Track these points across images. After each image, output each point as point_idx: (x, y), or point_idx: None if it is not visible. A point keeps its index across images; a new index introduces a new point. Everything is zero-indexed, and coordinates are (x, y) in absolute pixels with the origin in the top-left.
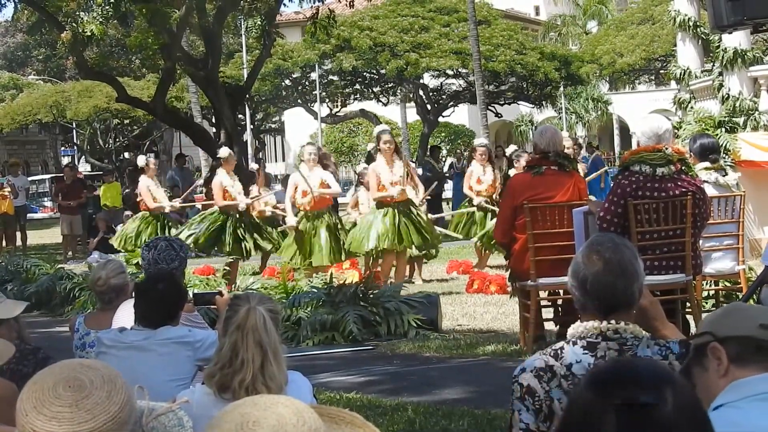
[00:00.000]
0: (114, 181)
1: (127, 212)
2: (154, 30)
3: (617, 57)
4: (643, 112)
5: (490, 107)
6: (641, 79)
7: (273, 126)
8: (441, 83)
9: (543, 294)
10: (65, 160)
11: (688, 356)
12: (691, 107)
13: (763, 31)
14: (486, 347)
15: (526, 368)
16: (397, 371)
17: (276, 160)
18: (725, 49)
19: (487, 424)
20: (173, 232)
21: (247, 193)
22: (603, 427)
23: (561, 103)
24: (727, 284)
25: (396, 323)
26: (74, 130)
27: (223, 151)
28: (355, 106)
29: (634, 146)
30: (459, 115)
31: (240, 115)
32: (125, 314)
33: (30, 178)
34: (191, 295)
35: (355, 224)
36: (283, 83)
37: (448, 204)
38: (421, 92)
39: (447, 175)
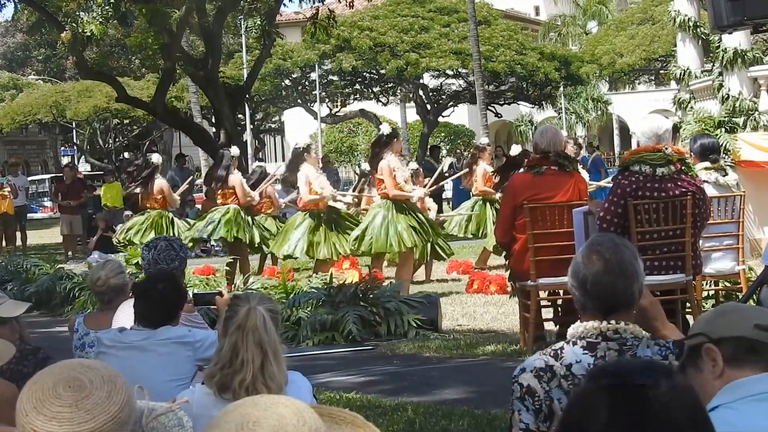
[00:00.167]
0: (114, 181)
1: (127, 212)
2: (154, 30)
3: (617, 57)
4: (642, 113)
5: (489, 107)
6: (641, 80)
7: (273, 126)
8: (441, 83)
9: (543, 294)
10: (65, 160)
11: (682, 357)
12: (691, 107)
13: (763, 31)
14: (486, 347)
15: (526, 368)
16: (397, 371)
17: (276, 160)
18: (725, 49)
19: (487, 425)
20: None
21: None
22: (597, 409)
23: (561, 103)
24: (727, 284)
25: (396, 323)
26: (74, 130)
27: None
28: (354, 106)
29: (634, 146)
30: (459, 115)
31: (240, 115)
32: (125, 314)
33: (30, 178)
34: (191, 296)
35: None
36: (282, 83)
37: (448, 204)
38: (420, 92)
39: (447, 174)
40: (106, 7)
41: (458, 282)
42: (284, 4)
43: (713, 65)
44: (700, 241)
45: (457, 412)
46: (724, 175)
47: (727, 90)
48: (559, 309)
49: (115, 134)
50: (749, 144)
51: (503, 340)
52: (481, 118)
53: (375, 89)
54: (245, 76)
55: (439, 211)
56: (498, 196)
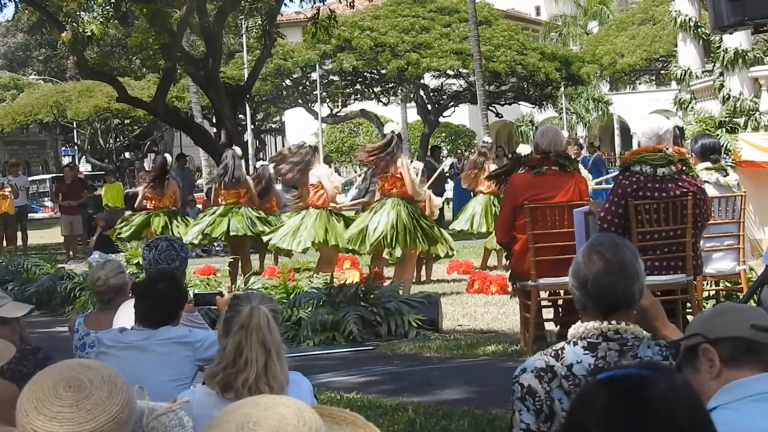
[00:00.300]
0: (115, 181)
1: (128, 212)
2: (154, 30)
3: (618, 57)
4: (643, 113)
5: (490, 107)
6: (642, 80)
7: (273, 126)
8: (441, 83)
9: (543, 294)
10: (66, 160)
11: (678, 357)
12: (692, 107)
13: (764, 31)
14: (486, 347)
15: (527, 368)
16: (398, 371)
17: None
18: (726, 49)
19: (487, 425)
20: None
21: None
22: (597, 409)
23: (562, 104)
24: (728, 284)
25: (396, 323)
26: (75, 130)
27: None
28: (355, 106)
29: (634, 146)
30: (459, 115)
31: (240, 115)
32: (126, 314)
33: (30, 178)
34: (192, 296)
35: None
36: (283, 83)
37: (448, 204)
38: (421, 92)
39: (447, 175)
40: (107, 7)
41: (459, 282)
42: (285, 4)
43: (714, 65)
44: (701, 242)
45: (458, 412)
46: (724, 176)
47: (727, 90)
48: (560, 309)
49: (115, 134)
50: (750, 144)
51: (504, 341)
52: (482, 118)
53: (376, 89)
54: (246, 76)
55: (440, 211)
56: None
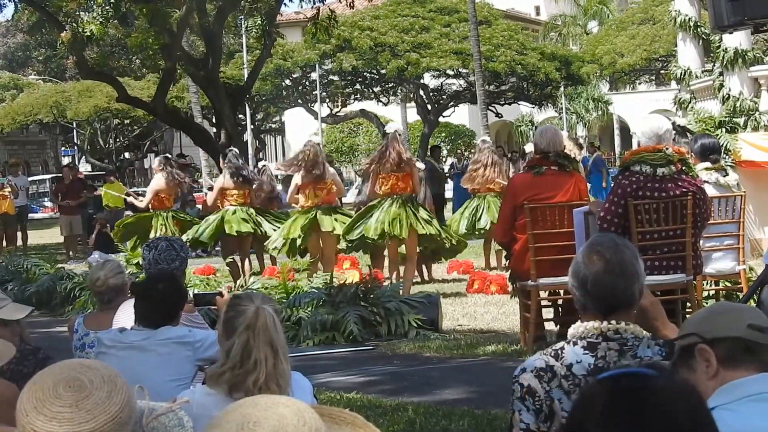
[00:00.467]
0: (115, 181)
1: (128, 212)
2: (154, 30)
3: (618, 57)
4: (643, 113)
5: (490, 107)
6: (642, 79)
7: (273, 126)
8: (441, 83)
9: (543, 294)
10: (66, 160)
11: (673, 357)
12: (692, 107)
13: (764, 31)
14: (486, 347)
15: (527, 368)
16: (398, 371)
17: (276, 160)
18: (726, 49)
19: (487, 425)
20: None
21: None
22: (597, 409)
23: (561, 103)
24: (728, 284)
25: (396, 323)
26: (74, 130)
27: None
28: (355, 106)
29: (634, 146)
30: (459, 115)
31: (240, 115)
32: (126, 314)
33: (30, 179)
34: (192, 296)
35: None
36: (283, 83)
37: (445, 204)
38: (421, 92)
39: (447, 175)
40: (107, 7)
41: (459, 282)
42: (285, 4)
43: (714, 65)
44: (701, 241)
45: (458, 412)
46: (724, 175)
47: (727, 90)
48: (560, 309)
49: (115, 134)
50: (750, 144)
51: (504, 340)
52: (481, 118)
53: (375, 89)
54: (246, 76)
55: (441, 211)
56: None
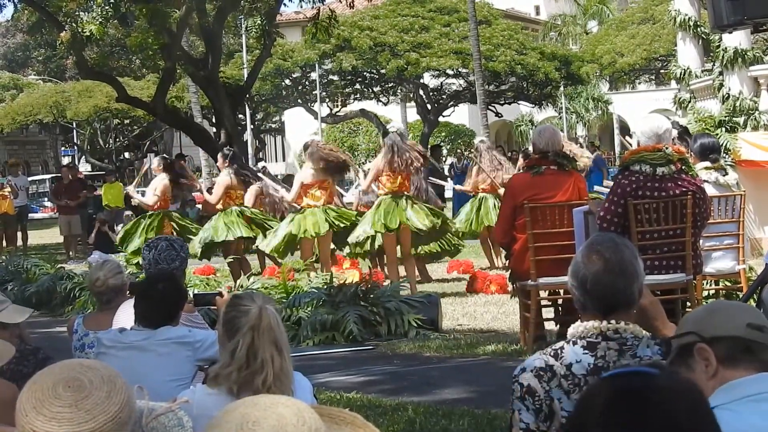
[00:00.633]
0: (115, 181)
1: (128, 212)
2: (154, 30)
3: (618, 57)
4: (643, 112)
5: (490, 107)
6: (641, 79)
7: (273, 126)
8: (441, 83)
9: (543, 294)
10: (65, 160)
11: (670, 356)
12: (692, 107)
13: (763, 30)
14: (486, 347)
15: (526, 368)
16: (398, 371)
17: (276, 160)
18: (725, 48)
19: (487, 424)
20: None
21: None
22: (598, 409)
23: (561, 103)
24: (728, 284)
25: (396, 323)
26: (74, 130)
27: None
28: (355, 106)
29: (634, 146)
30: (459, 114)
31: (240, 115)
32: (126, 314)
33: (30, 179)
34: (192, 296)
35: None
36: (283, 83)
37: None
38: (421, 92)
39: (447, 175)
40: (106, 7)
41: (459, 282)
42: (284, 4)
43: (713, 65)
44: (701, 241)
45: (458, 411)
46: (724, 175)
47: (727, 89)
48: (560, 308)
49: (115, 134)
50: (749, 143)
51: (504, 340)
52: (481, 117)
53: (375, 89)
54: (245, 76)
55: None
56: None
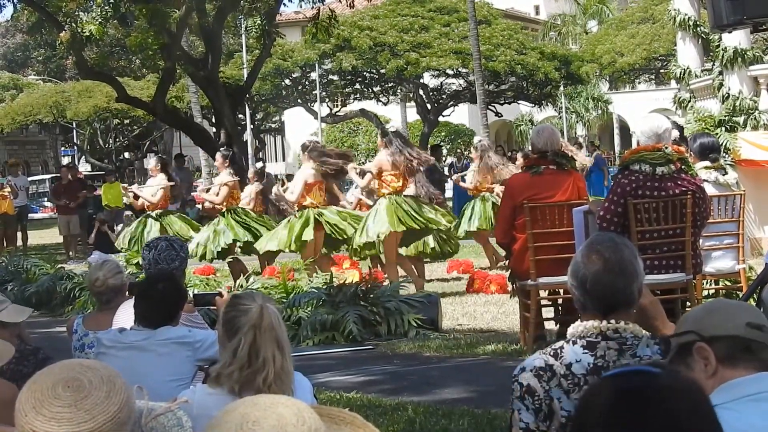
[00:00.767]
0: (115, 181)
1: (128, 212)
2: (154, 30)
3: (617, 56)
4: (643, 112)
5: (490, 107)
6: (641, 79)
7: (273, 126)
8: (441, 83)
9: (543, 293)
10: (65, 160)
11: (669, 355)
12: (691, 106)
13: (763, 30)
14: (486, 347)
15: (526, 368)
16: (397, 371)
17: (276, 160)
18: (725, 48)
19: (487, 424)
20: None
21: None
22: (599, 408)
23: (561, 103)
24: (728, 283)
25: (396, 323)
26: (74, 130)
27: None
28: (355, 106)
29: (634, 145)
30: (459, 114)
31: (240, 115)
32: (126, 314)
33: (30, 179)
34: (191, 296)
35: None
36: (283, 83)
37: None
38: (421, 92)
39: (448, 175)
40: (106, 7)
41: (459, 281)
42: (284, 4)
43: (713, 64)
44: (701, 240)
45: (458, 411)
46: (724, 174)
47: (727, 89)
48: (560, 308)
49: (115, 134)
50: (749, 143)
51: (503, 340)
52: (481, 117)
53: (375, 89)
54: (245, 75)
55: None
56: None
